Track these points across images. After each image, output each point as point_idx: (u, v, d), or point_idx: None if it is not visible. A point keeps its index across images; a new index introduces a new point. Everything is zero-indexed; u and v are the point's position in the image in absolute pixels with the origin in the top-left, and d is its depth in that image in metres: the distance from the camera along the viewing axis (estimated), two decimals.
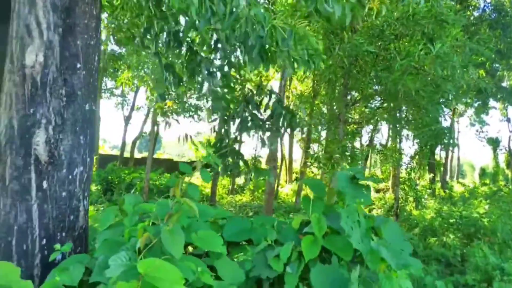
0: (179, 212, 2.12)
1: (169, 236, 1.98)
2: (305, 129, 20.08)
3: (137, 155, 31.05)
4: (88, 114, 3.34)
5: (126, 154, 27.01)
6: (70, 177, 3.16)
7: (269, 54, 4.59)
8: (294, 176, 27.24)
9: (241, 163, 5.89)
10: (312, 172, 26.34)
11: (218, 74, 5.68)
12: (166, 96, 16.48)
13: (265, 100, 6.14)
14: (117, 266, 2.00)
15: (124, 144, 26.37)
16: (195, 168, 2.44)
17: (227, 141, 5.44)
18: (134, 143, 25.37)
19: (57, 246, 2.55)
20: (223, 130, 5.81)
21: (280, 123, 5.12)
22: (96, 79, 3.46)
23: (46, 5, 3.13)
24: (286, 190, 23.18)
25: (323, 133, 21.00)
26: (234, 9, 3.36)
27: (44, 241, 3.01)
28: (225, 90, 5.34)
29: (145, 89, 16.12)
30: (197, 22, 3.98)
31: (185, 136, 5.69)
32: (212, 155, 2.51)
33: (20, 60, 3.09)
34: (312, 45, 4.08)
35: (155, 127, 17.67)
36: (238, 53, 5.64)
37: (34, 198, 3.01)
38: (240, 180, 22.42)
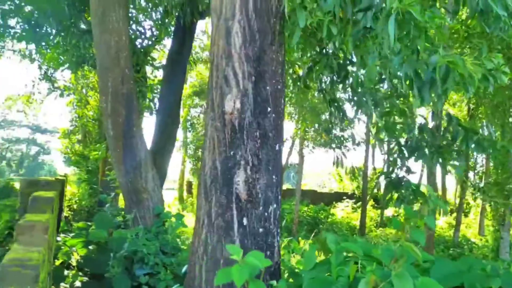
0: (404, 257, 2.09)
1: (399, 281, 1.95)
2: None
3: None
4: (278, 154, 3.54)
5: None
6: (266, 214, 3.35)
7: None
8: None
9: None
10: (469, 204, 24.10)
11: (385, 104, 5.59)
12: (309, 128, 16.81)
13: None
14: None
15: None
16: (422, 212, 2.37)
17: (398, 171, 5.28)
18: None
19: (273, 282, 2.68)
20: (391, 159, 5.65)
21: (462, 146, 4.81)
22: (283, 120, 3.66)
23: (240, 57, 3.45)
24: (440, 222, 21.47)
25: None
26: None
27: None
28: (395, 119, 5.24)
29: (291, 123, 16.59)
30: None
31: (352, 168, 5.65)
32: (435, 197, 2.41)
33: (220, 107, 3.43)
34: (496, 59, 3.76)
35: (302, 159, 18.00)
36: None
37: (236, 234, 3.25)
38: (388, 212, 21.48)
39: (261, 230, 3.32)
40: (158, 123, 8.53)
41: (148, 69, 11.82)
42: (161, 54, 14.45)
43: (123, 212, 7.61)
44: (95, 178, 13.96)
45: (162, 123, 8.46)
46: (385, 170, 5.70)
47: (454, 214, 19.07)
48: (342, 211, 22.93)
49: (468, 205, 24.31)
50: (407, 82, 3.94)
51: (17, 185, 10.63)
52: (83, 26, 9.21)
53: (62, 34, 9.16)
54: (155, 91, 12.23)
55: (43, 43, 10.90)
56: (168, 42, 11.86)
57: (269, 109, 3.49)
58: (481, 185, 13.05)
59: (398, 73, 3.70)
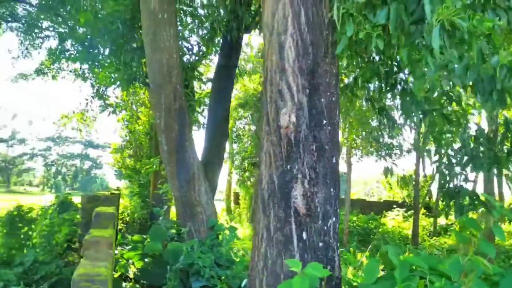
0: (475, 271, 2.01)
1: None
2: None
3: None
4: (335, 167, 3.51)
5: None
6: (325, 228, 3.32)
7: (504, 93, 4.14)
8: None
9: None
10: None
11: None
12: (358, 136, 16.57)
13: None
14: None
15: None
16: (486, 222, 2.29)
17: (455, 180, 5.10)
18: None
19: None
20: (443, 168, 5.46)
21: None
22: (338, 133, 3.64)
23: (294, 71, 3.46)
24: None
25: None
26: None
27: None
28: (444, 128, 5.09)
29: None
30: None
31: (404, 177, 5.50)
32: (503, 208, 2.33)
33: (276, 122, 3.45)
34: None
35: (349, 168, 17.73)
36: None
37: (295, 248, 3.24)
38: (441, 221, 20.70)
39: (321, 244, 3.29)
40: (208, 137, 8.67)
41: (195, 83, 12.06)
42: (207, 68, 14.73)
43: (176, 225, 7.76)
44: (146, 191, 14.34)
45: (211, 136, 8.59)
46: (435, 179, 5.52)
47: None
48: (393, 220, 22.28)
49: None
50: (469, 88, 3.83)
51: (74, 199, 11.06)
52: (134, 44, 9.54)
53: (115, 52, 9.51)
54: (204, 104, 12.45)
55: (96, 63, 11.39)
56: (214, 57, 12.07)
57: (324, 121, 3.47)
58: None
59: (459, 80, 3.58)
